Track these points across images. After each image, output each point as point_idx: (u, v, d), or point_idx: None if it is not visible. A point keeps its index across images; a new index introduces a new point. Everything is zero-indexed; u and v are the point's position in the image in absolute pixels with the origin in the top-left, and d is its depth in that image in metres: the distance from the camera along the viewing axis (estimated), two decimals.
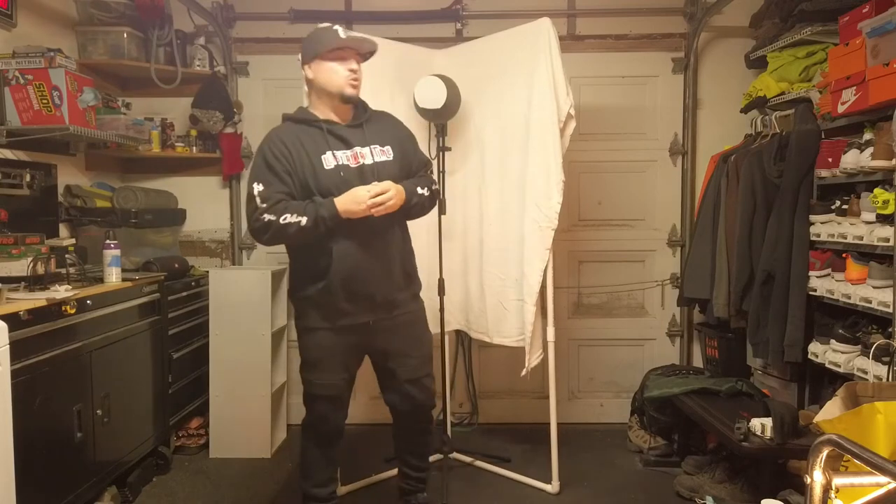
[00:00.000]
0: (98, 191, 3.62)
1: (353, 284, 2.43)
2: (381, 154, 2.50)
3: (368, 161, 2.47)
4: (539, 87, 3.05)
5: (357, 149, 2.46)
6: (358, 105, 2.57)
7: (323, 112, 2.50)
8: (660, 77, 4.02)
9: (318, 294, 2.45)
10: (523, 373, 3.11)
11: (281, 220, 2.31)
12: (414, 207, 2.53)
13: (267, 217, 2.32)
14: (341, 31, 2.45)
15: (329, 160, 2.41)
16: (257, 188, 2.36)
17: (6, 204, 2.87)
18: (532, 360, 3.12)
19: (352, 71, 2.45)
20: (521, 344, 3.15)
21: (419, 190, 2.53)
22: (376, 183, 2.38)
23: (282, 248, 3.96)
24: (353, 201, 2.33)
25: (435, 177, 2.65)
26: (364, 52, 2.53)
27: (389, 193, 2.36)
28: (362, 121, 2.53)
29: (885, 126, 2.52)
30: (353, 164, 2.44)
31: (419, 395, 2.66)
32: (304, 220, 2.31)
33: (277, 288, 3.76)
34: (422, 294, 3.35)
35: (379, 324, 2.53)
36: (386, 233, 2.49)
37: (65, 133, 2.96)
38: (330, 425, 2.61)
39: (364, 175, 2.43)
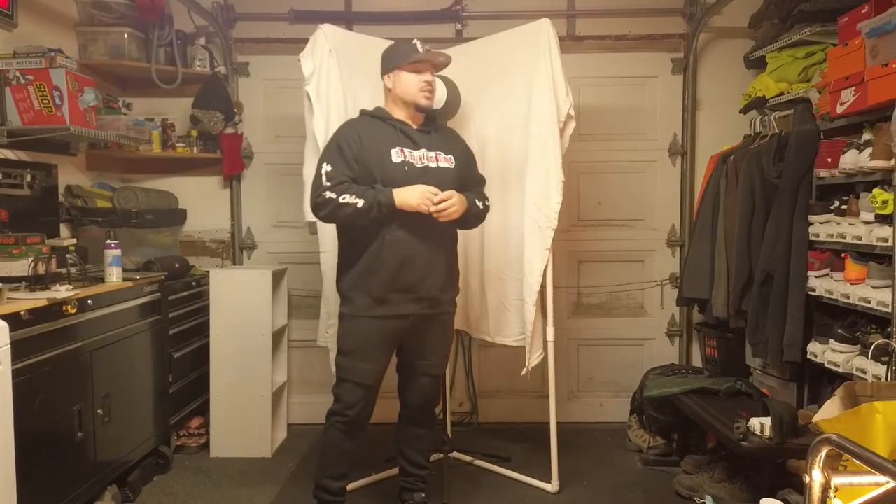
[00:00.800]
0: (99, 191, 3.62)
1: (400, 274, 2.55)
2: (444, 161, 2.67)
3: (433, 165, 2.63)
4: (539, 87, 3.05)
5: (424, 150, 2.63)
6: (429, 115, 2.75)
7: (397, 115, 2.68)
8: (659, 77, 4.02)
9: (366, 281, 2.57)
10: (524, 372, 3.12)
11: (340, 199, 2.45)
12: (471, 217, 2.70)
13: (328, 194, 2.46)
14: (419, 46, 2.64)
15: (397, 154, 2.57)
16: (326, 167, 2.51)
17: (7, 204, 2.87)
18: (532, 359, 3.13)
19: (426, 83, 2.63)
20: (521, 343, 3.16)
21: (477, 202, 2.70)
22: (447, 192, 2.53)
23: (282, 248, 4.04)
24: (411, 195, 2.48)
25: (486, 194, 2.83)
26: (438, 65, 2.70)
27: (453, 201, 2.53)
28: (431, 128, 2.70)
29: (884, 126, 2.52)
30: (418, 164, 2.59)
31: (431, 392, 2.83)
32: (361, 202, 2.45)
33: (278, 288, 3.76)
34: None
35: (419, 319, 2.64)
36: (438, 232, 2.62)
37: (65, 133, 2.97)
38: (357, 414, 2.66)
39: (427, 176, 2.58)
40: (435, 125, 2.74)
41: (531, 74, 3.08)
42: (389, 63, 2.66)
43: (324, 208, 2.49)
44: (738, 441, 2.66)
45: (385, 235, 2.52)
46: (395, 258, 2.53)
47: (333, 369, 2.75)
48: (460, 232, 3.35)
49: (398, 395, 2.86)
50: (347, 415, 2.64)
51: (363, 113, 2.72)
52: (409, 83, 2.62)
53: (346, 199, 2.45)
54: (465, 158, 2.78)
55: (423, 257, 2.58)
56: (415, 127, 2.66)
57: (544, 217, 3.03)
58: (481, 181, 2.87)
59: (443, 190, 2.54)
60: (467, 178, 2.76)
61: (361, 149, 2.54)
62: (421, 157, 2.61)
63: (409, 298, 2.59)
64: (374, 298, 2.57)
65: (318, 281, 3.23)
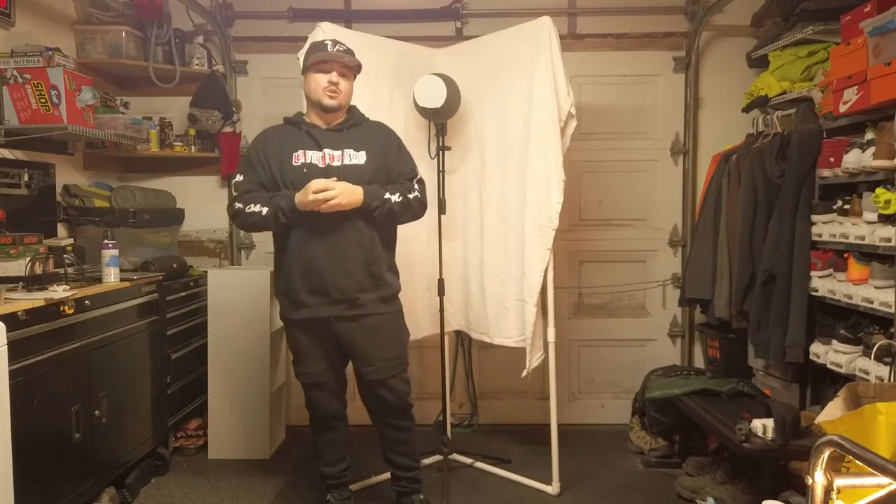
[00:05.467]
0: (96, 190, 3.60)
1: (308, 277, 2.56)
2: (354, 158, 2.60)
3: (336, 163, 2.58)
4: (539, 86, 3.03)
5: (327, 150, 2.60)
6: (350, 113, 2.69)
7: (311, 118, 2.66)
8: (661, 76, 4.00)
9: (285, 286, 2.63)
10: (524, 374, 3.10)
11: (247, 209, 2.51)
12: (377, 211, 2.53)
13: (237, 205, 2.54)
14: (329, 45, 2.58)
15: (297, 157, 2.57)
16: (238, 178, 2.61)
17: (4, 204, 2.86)
18: (533, 360, 3.11)
19: (330, 83, 2.56)
20: (521, 345, 3.14)
21: (387, 196, 2.54)
22: (320, 180, 2.45)
23: None
24: (303, 192, 2.45)
25: (418, 187, 2.67)
26: (346, 64, 2.59)
27: (333, 192, 2.42)
28: (344, 126, 2.64)
29: (887, 126, 2.51)
30: (320, 164, 2.56)
31: (389, 397, 2.71)
32: (265, 210, 2.49)
33: None
34: (422, 294, 3.35)
35: (340, 321, 2.60)
36: (343, 230, 2.54)
37: (63, 132, 2.96)
38: (324, 411, 2.77)
39: (328, 175, 2.51)
40: (350, 122, 2.65)
41: (532, 73, 3.06)
42: (303, 66, 2.66)
43: (235, 218, 2.58)
44: (740, 442, 2.64)
45: (291, 240, 2.56)
46: (299, 261, 2.55)
47: None
48: (460, 232, 3.36)
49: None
50: (313, 411, 2.78)
51: (286, 120, 2.72)
52: (315, 83, 2.57)
53: (252, 208, 2.50)
54: (384, 152, 2.65)
55: (330, 258, 2.53)
56: (324, 128, 2.61)
57: (545, 217, 3.01)
58: (408, 173, 2.67)
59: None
60: (389, 172, 2.64)
61: (267, 153, 2.59)
62: (323, 158, 2.57)
63: (324, 301, 2.57)
64: (291, 301, 2.62)
65: None
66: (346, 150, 2.59)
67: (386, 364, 2.67)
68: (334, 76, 2.56)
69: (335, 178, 2.48)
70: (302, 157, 2.57)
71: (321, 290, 2.56)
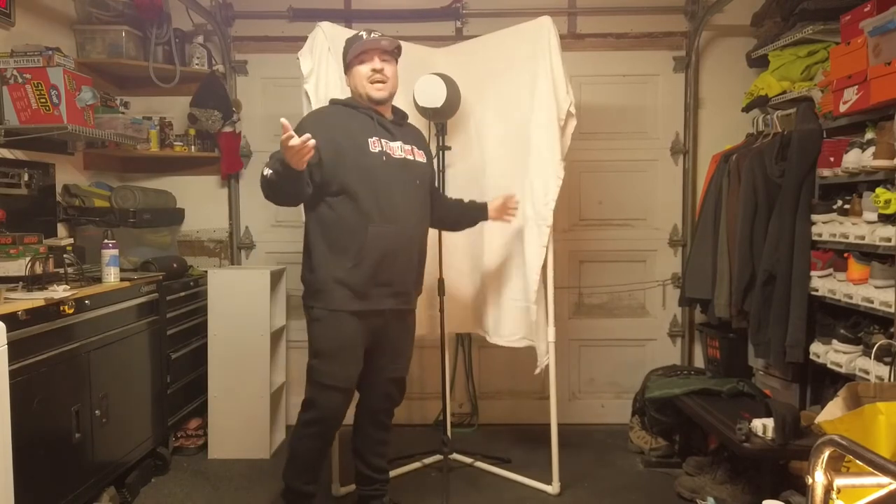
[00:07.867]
0: (96, 190, 3.60)
1: (382, 268, 2.47)
2: (419, 156, 2.61)
3: (410, 157, 2.56)
4: (539, 85, 3.03)
5: (399, 143, 2.55)
6: (396, 110, 2.67)
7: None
8: (661, 76, 4.00)
9: (347, 274, 2.45)
10: (537, 371, 3.07)
11: (263, 173, 2.26)
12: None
13: (262, 172, 2.29)
14: (364, 34, 2.52)
15: (375, 144, 2.47)
16: (275, 151, 2.31)
17: (4, 203, 2.86)
18: (544, 358, 3.08)
19: (374, 70, 2.49)
20: (518, 344, 3.13)
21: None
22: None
23: (281, 248, 4.03)
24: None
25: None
26: (389, 50, 2.55)
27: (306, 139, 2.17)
28: (403, 123, 2.62)
29: (887, 125, 2.50)
30: (395, 155, 2.52)
31: (397, 396, 2.76)
32: (269, 171, 2.24)
33: (276, 288, 3.74)
34: (423, 294, 3.35)
35: (393, 315, 2.58)
36: (416, 227, 2.57)
37: (63, 132, 2.95)
38: (339, 419, 2.58)
39: (407, 167, 2.52)
40: (405, 120, 2.65)
41: (532, 72, 3.06)
42: (344, 63, 2.60)
43: (262, 189, 2.31)
44: (740, 442, 2.64)
45: (369, 228, 2.43)
46: (378, 252, 2.44)
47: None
48: (462, 231, 3.36)
49: (359, 403, 2.75)
50: (328, 422, 2.55)
51: (335, 102, 2.61)
52: (358, 77, 2.51)
53: (265, 171, 2.25)
54: (430, 157, 2.75)
55: (402, 252, 2.51)
56: (387, 118, 2.57)
57: (539, 215, 3.00)
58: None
59: (420, 185, 2.53)
60: (434, 175, 2.75)
61: (334, 138, 2.40)
62: (398, 149, 2.53)
63: (388, 293, 2.51)
64: (355, 292, 2.46)
65: None
66: (412, 146, 2.57)
67: (406, 363, 2.74)
68: (377, 63, 2.49)
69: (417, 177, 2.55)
70: (378, 144, 2.46)
71: (388, 281, 2.49)
